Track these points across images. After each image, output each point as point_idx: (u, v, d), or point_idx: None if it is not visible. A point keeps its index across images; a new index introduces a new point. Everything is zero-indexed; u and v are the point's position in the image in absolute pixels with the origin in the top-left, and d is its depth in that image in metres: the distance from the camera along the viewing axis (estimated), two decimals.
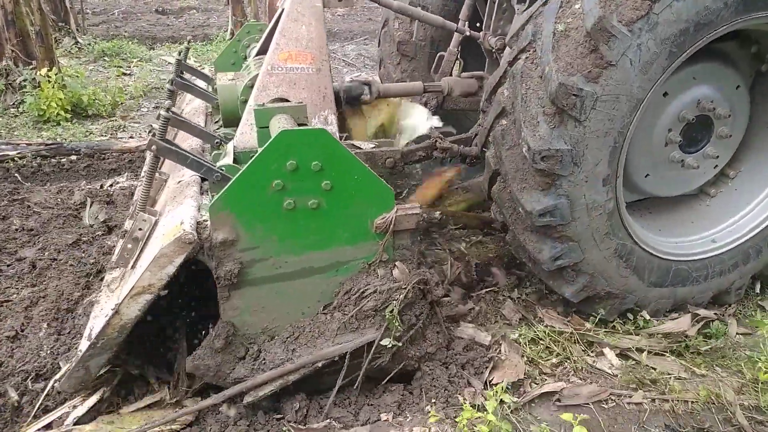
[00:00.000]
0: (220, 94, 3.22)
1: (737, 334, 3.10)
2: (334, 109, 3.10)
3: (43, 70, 6.77)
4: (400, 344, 2.49)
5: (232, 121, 3.18)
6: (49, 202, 4.46)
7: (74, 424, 2.43)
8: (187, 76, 3.84)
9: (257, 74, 3.05)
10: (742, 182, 3.36)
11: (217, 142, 3.04)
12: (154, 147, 2.41)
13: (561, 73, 2.46)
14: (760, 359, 2.75)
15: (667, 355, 2.92)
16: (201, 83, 3.93)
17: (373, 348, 2.45)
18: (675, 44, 2.50)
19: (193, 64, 10.20)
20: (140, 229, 2.45)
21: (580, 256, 2.79)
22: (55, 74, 6.73)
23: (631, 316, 3.13)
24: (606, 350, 2.94)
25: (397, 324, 2.44)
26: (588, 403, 2.62)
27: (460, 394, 2.61)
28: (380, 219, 2.39)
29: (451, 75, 4.04)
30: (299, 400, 2.49)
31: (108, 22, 13.49)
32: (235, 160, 2.77)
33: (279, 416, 2.48)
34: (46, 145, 5.63)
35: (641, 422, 2.54)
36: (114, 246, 3.80)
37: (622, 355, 2.94)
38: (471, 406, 2.43)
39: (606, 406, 2.62)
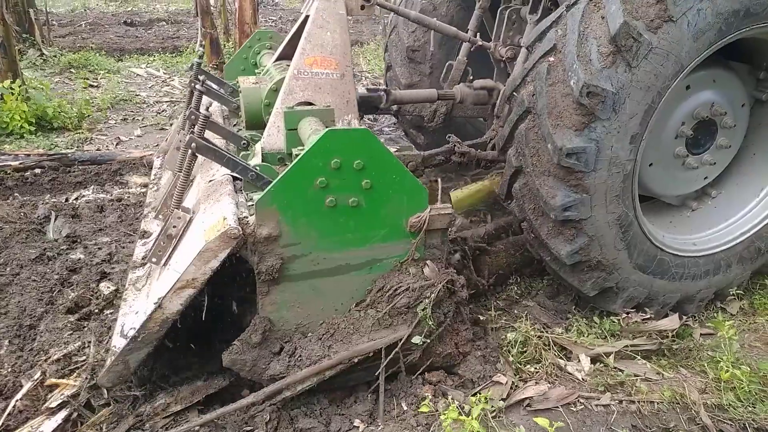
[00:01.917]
0: (244, 97, 3.30)
1: (700, 335, 3.18)
2: (357, 113, 3.20)
3: (6, 82, 6.62)
4: (431, 341, 2.58)
5: (255, 123, 3.27)
6: (12, 216, 4.35)
7: None
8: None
9: (280, 78, 3.15)
10: (720, 202, 3.57)
11: (244, 144, 3.11)
12: (193, 145, 2.45)
13: (627, 14, 2.56)
14: (721, 359, 2.82)
15: (639, 358, 2.96)
16: (214, 86, 3.97)
17: (402, 343, 2.52)
18: (726, 22, 2.69)
19: (162, 75, 10.12)
20: (174, 227, 2.50)
21: (587, 213, 2.83)
22: (19, 86, 6.59)
23: (597, 320, 3.20)
24: (582, 355, 2.98)
25: (429, 321, 2.51)
26: (557, 407, 2.66)
27: (433, 401, 2.62)
28: (414, 218, 2.47)
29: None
30: (269, 412, 2.47)
31: (75, 34, 13.26)
32: (263, 161, 2.85)
33: (249, 429, 2.45)
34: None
35: (609, 424, 2.58)
36: (79, 260, 3.73)
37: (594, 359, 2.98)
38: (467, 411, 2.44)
39: (575, 409, 2.65)
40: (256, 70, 4.16)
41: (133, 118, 7.62)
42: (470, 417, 2.35)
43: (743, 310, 3.46)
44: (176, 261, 2.43)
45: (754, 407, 2.63)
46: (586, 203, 2.81)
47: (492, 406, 2.53)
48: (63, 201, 4.72)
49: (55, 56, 10.24)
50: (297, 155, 2.35)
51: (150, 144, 6.63)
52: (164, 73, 10.11)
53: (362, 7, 3.30)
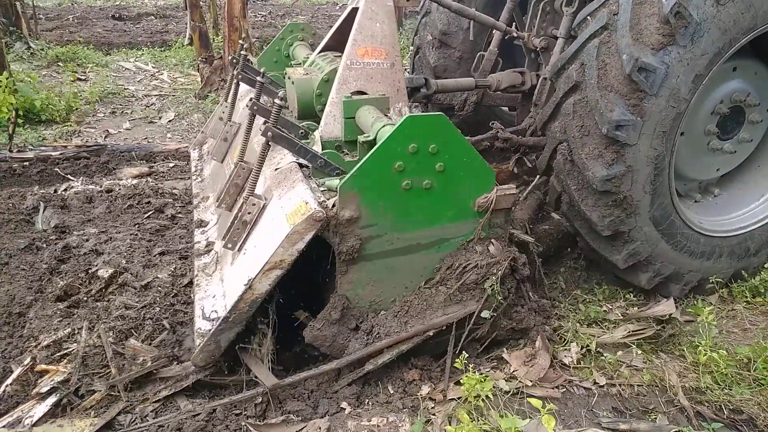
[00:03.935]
0: (297, 88, 3.39)
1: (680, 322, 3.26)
2: (407, 101, 3.31)
3: None
4: (497, 315, 2.72)
5: (307, 113, 3.40)
6: (0, 207, 4.35)
7: (32, 426, 2.40)
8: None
9: (331, 69, 3.27)
10: (720, 201, 3.74)
11: (302, 133, 3.21)
12: (269, 134, 2.53)
13: None
14: (700, 343, 2.90)
15: (633, 346, 3.00)
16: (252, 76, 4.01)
17: (473, 318, 2.66)
18: None
19: (151, 69, 10.06)
20: (249, 213, 2.61)
21: (634, 139, 2.89)
22: (6, 78, 6.55)
23: (582, 308, 3.26)
24: (573, 344, 3.03)
25: (498, 296, 2.65)
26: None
27: (416, 385, 2.67)
28: (482, 198, 2.59)
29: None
30: (259, 395, 2.50)
31: (62, 28, 13.14)
32: (322, 149, 2.97)
33: (237, 412, 2.49)
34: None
35: (590, 406, 2.65)
36: (68, 250, 3.74)
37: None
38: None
39: (558, 392, 2.71)
40: (292, 62, 4.22)
41: (122, 112, 7.60)
42: (484, 384, 2.49)
43: (722, 297, 3.54)
44: (253, 245, 2.56)
45: (730, 389, 2.71)
46: (637, 128, 2.87)
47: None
48: (51, 192, 4.72)
49: (42, 49, 10.16)
50: (363, 142, 2.50)
51: (139, 137, 6.63)
52: (153, 67, 10.07)
53: None
